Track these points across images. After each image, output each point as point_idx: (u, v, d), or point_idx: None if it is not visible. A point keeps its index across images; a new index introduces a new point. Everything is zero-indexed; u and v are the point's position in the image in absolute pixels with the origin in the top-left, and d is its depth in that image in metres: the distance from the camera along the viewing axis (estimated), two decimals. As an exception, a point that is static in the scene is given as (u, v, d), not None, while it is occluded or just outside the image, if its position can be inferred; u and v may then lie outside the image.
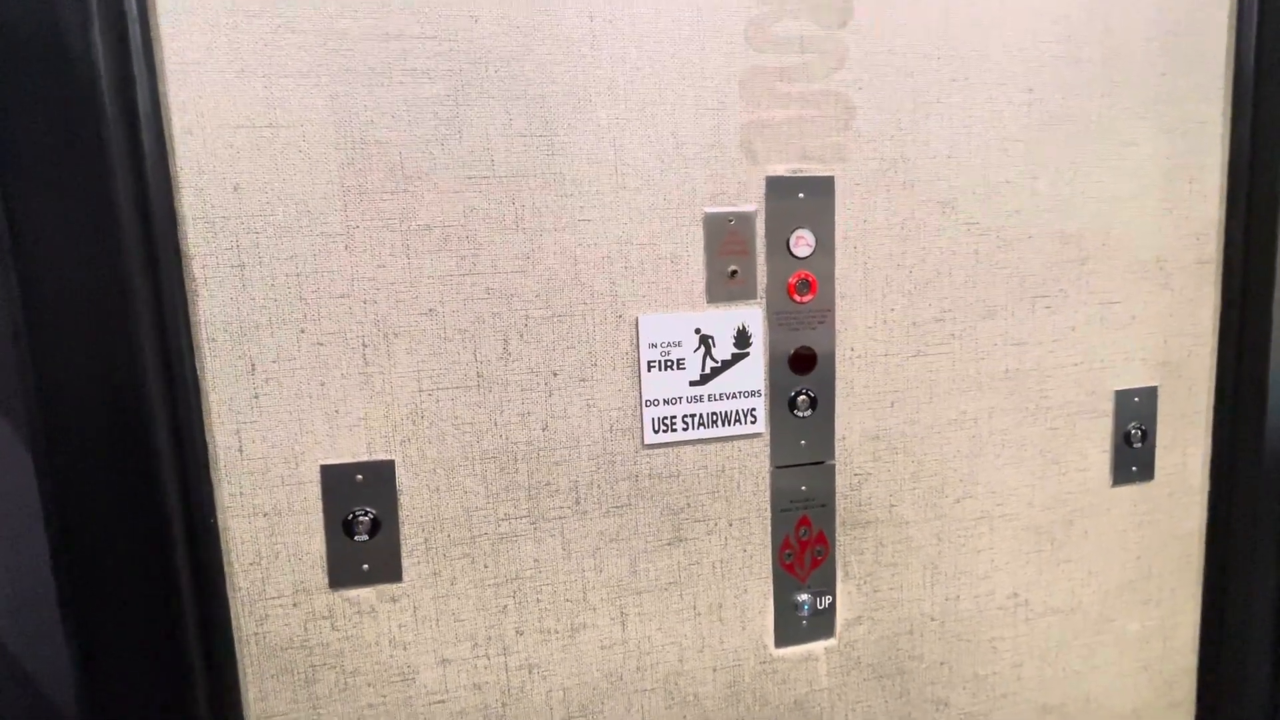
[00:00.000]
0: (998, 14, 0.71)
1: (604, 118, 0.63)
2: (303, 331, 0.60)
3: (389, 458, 0.63)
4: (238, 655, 0.62)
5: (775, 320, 0.69)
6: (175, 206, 0.56)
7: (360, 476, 0.62)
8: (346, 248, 0.60)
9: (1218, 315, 0.83)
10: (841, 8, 0.67)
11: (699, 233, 0.66)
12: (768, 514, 0.72)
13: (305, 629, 0.63)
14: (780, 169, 0.68)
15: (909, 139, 0.70)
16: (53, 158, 0.54)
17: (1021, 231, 0.75)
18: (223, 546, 0.60)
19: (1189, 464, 0.84)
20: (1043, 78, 0.73)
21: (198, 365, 0.58)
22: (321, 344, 0.60)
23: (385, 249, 0.61)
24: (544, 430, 0.65)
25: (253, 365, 0.59)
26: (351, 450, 0.62)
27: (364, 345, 0.61)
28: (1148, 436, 0.82)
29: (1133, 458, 0.82)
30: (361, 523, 0.62)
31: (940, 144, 0.71)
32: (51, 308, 0.55)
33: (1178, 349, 0.82)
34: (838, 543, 0.74)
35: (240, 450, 0.60)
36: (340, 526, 0.62)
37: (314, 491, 0.61)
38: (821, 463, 0.72)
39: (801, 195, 0.68)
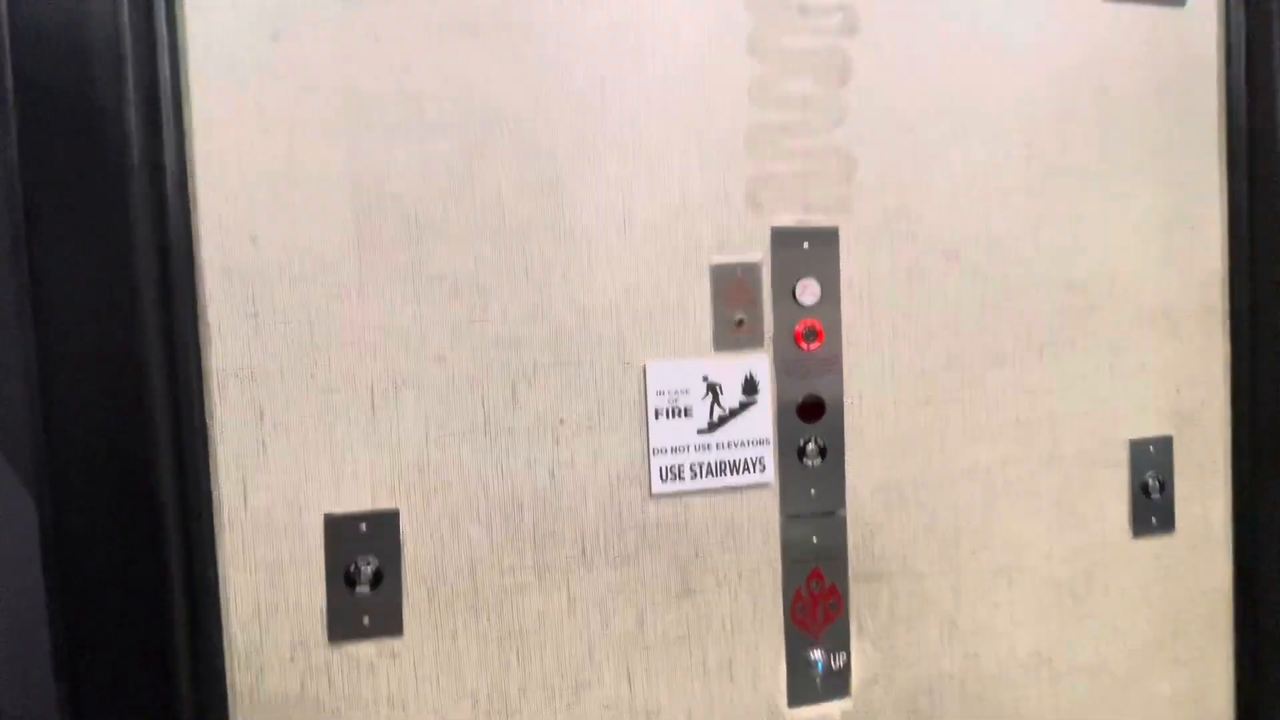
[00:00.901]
0: (994, 72, 0.74)
1: (613, 171, 0.65)
2: (313, 378, 0.60)
3: (394, 507, 0.62)
4: (231, 712, 0.59)
5: (783, 368, 0.69)
6: (194, 257, 0.58)
7: (364, 526, 0.61)
8: (359, 296, 0.61)
9: (1228, 365, 0.82)
10: (841, 67, 0.70)
11: (706, 282, 0.67)
12: (778, 566, 0.70)
13: (302, 685, 0.61)
14: (785, 220, 0.69)
15: (911, 191, 0.72)
16: (78, 208, 0.56)
17: (1026, 280, 0.75)
18: (222, 599, 0.59)
19: (1210, 516, 0.82)
20: (1040, 133, 0.75)
21: (207, 413, 0.59)
22: (331, 391, 0.61)
23: (397, 298, 0.62)
24: (551, 479, 0.65)
25: (261, 413, 0.59)
26: (356, 499, 0.61)
27: (373, 393, 0.61)
28: (1166, 487, 0.80)
29: (1152, 509, 0.80)
30: (363, 573, 0.61)
31: (942, 196, 0.73)
32: (65, 351, 0.56)
33: (1191, 398, 0.81)
34: (851, 596, 0.72)
35: (244, 500, 0.59)
36: (342, 578, 0.61)
37: (316, 542, 0.61)
38: (832, 513, 0.71)
39: (806, 245, 0.69)
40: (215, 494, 0.59)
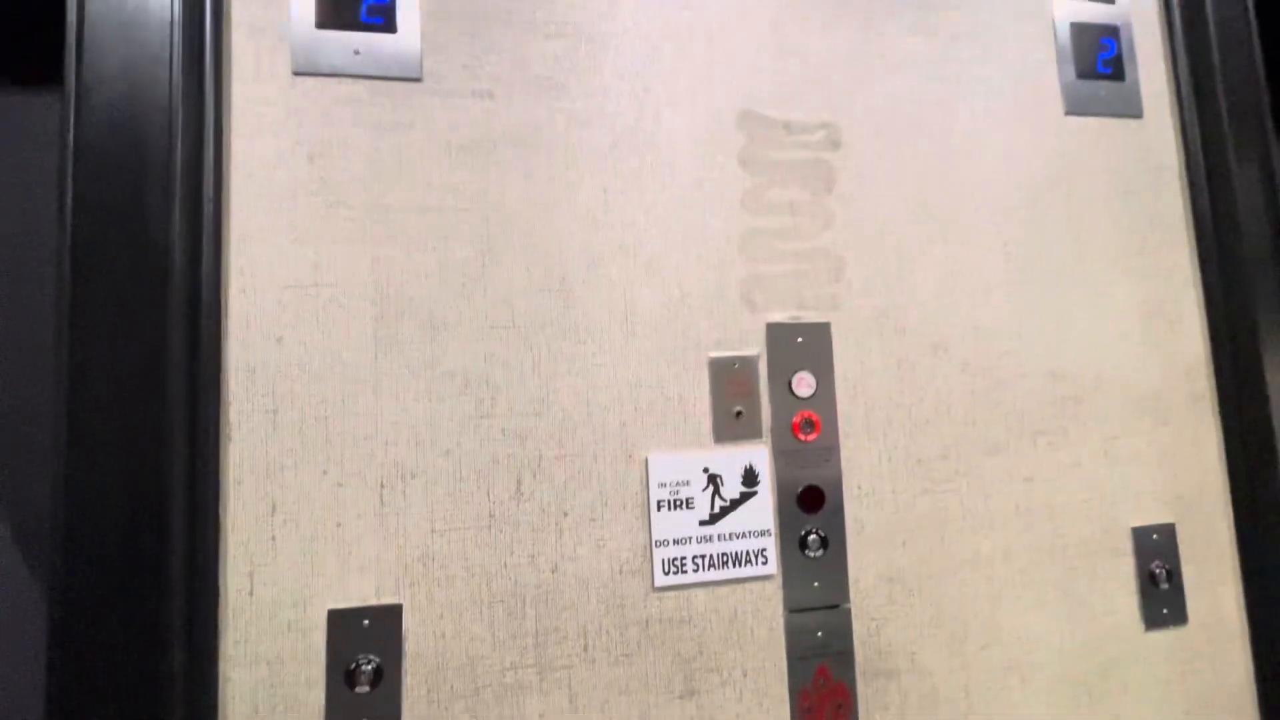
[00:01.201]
0: (968, 180, 0.80)
1: (615, 273, 0.70)
2: (325, 473, 0.62)
3: (397, 601, 0.62)
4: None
5: (782, 459, 0.71)
6: (221, 357, 0.61)
7: (366, 621, 0.61)
8: (374, 392, 0.64)
9: (1222, 451, 0.83)
10: (826, 178, 0.76)
11: (705, 376, 0.70)
12: (783, 663, 0.69)
13: (294, 795, 0.59)
14: (779, 316, 0.73)
15: (897, 289, 0.76)
16: (120, 311, 0.60)
17: (1014, 371, 0.78)
18: (220, 698, 0.58)
19: (1222, 606, 0.81)
20: (1015, 234, 0.80)
21: (221, 507, 0.60)
22: (341, 485, 0.62)
23: (409, 393, 0.65)
24: (553, 572, 0.65)
25: (274, 506, 0.61)
26: (360, 594, 0.62)
27: (382, 486, 0.63)
28: (1173, 576, 0.79)
29: (1161, 600, 0.79)
30: (364, 672, 0.60)
31: (927, 293, 0.77)
32: (93, 442, 0.58)
33: (1188, 484, 0.82)
34: (859, 695, 0.70)
35: (250, 594, 0.60)
36: (342, 677, 0.60)
37: (319, 638, 0.61)
38: (837, 606, 0.70)
39: (800, 340, 0.73)
40: (223, 589, 0.59)
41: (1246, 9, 0.90)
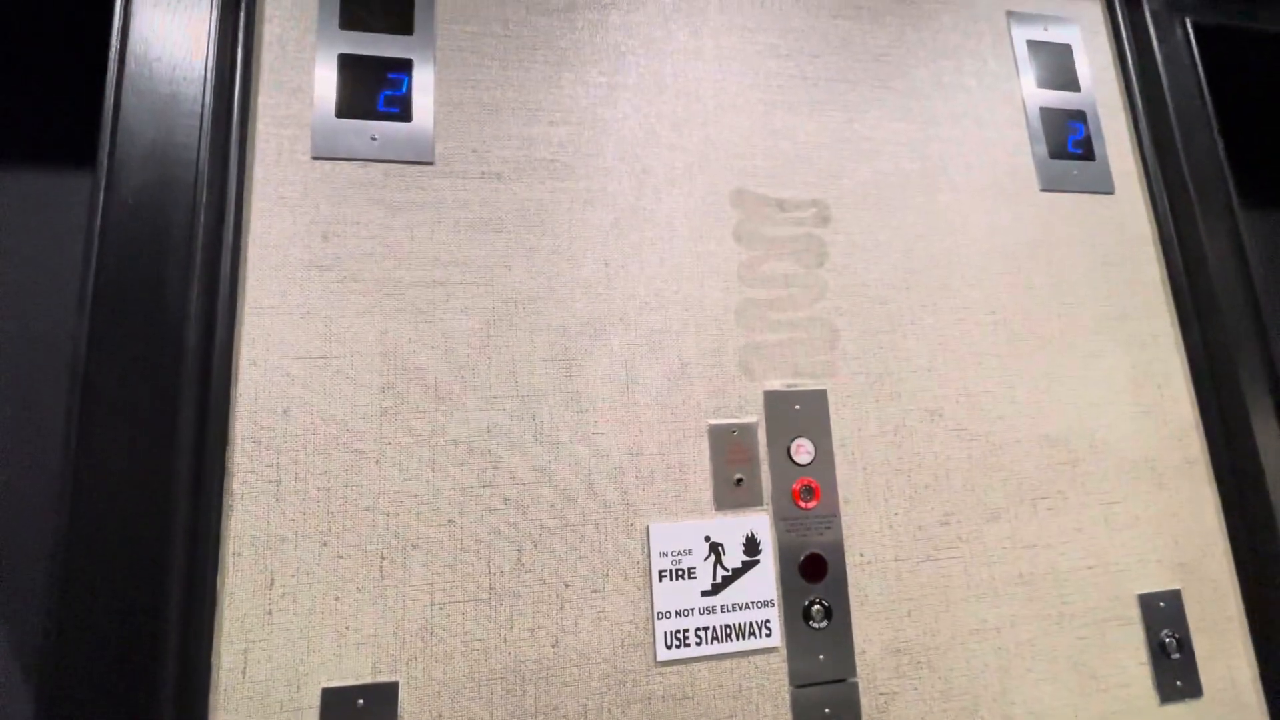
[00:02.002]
0: (953, 251, 0.83)
1: (616, 344, 0.72)
2: (325, 544, 0.62)
3: (393, 679, 0.61)
4: None
5: (783, 526, 0.71)
6: (229, 429, 0.62)
7: (361, 701, 0.60)
8: (377, 463, 0.64)
9: (1221, 515, 0.84)
10: (818, 252, 0.79)
11: (705, 443, 0.71)
12: (791, 742, 0.67)
13: None
14: (776, 384, 0.75)
15: (890, 356, 0.78)
16: (132, 383, 0.61)
17: (1009, 436, 0.79)
18: (206, 787, 0.56)
19: (1237, 678, 0.79)
20: (1002, 302, 0.83)
21: (219, 580, 0.60)
22: (341, 557, 0.62)
23: (412, 463, 0.65)
24: (554, 647, 0.64)
25: (272, 579, 0.61)
26: (356, 671, 0.60)
27: (382, 558, 0.63)
28: (1184, 646, 0.78)
29: (1174, 670, 0.77)
30: (357, 757, 0.58)
31: (920, 359, 0.79)
32: (96, 513, 0.58)
33: (1190, 549, 0.82)
34: (870, 777, 0.68)
35: (244, 672, 0.58)
36: (334, 762, 0.58)
37: (312, 719, 0.59)
38: (843, 680, 0.69)
39: (798, 407, 0.74)
40: (215, 667, 0.58)
41: (1202, 90, 0.96)
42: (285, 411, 0.64)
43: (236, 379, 0.64)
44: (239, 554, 0.60)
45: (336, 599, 0.61)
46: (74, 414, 0.59)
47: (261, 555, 0.61)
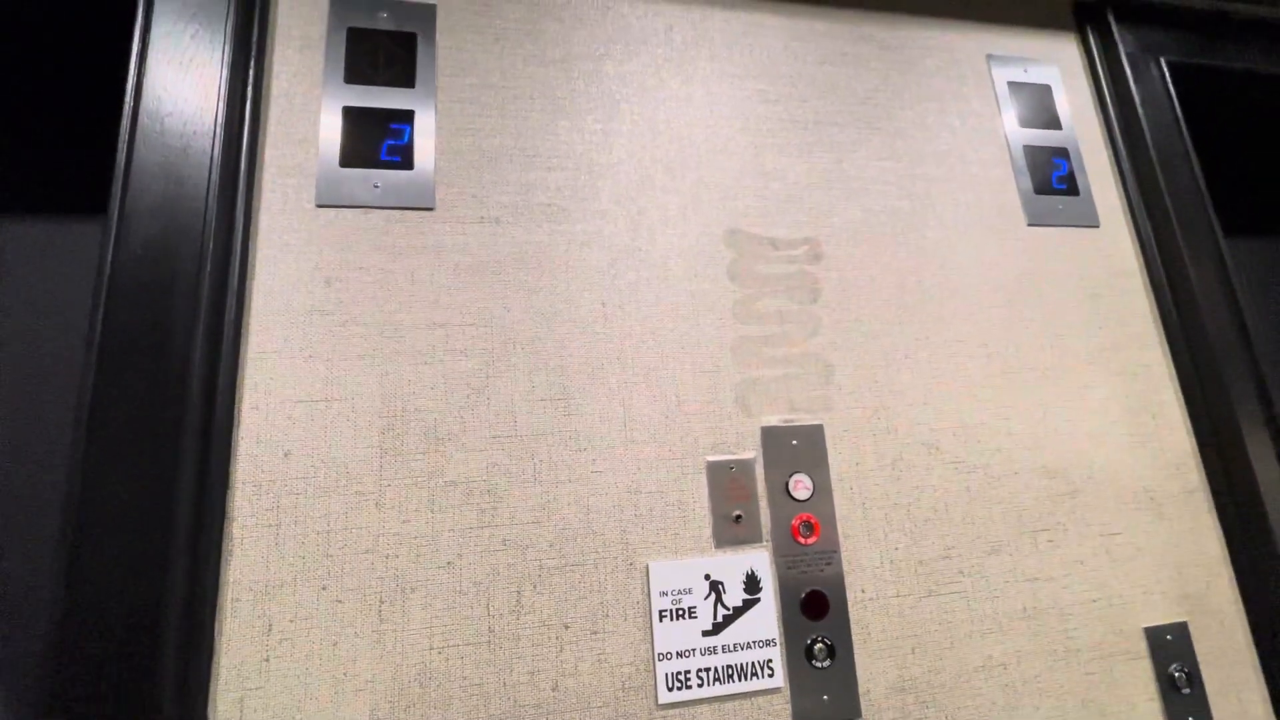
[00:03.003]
0: (944, 286, 0.85)
1: (614, 382, 0.73)
2: (324, 589, 0.62)
3: (391, 727, 0.60)
4: None
5: (783, 563, 0.71)
6: (230, 473, 0.63)
7: (359, 750, 0.59)
8: (377, 505, 0.65)
9: (1224, 544, 0.83)
10: (811, 288, 0.81)
11: (703, 480, 0.72)
12: (797, 788, 0.65)
13: None
14: (773, 420, 0.75)
15: (886, 390, 0.79)
16: (136, 428, 0.62)
17: (1006, 468, 0.79)
18: (198, 844, 0.55)
19: (1250, 711, 0.78)
20: (994, 335, 0.84)
21: (216, 628, 0.59)
22: (340, 601, 0.62)
23: (412, 505, 0.65)
24: (554, 690, 0.63)
25: (270, 625, 0.60)
26: (353, 718, 0.60)
27: (381, 601, 0.63)
28: (1194, 680, 0.77)
29: (1185, 706, 0.76)
30: (353, 809, 0.57)
31: (915, 393, 0.80)
32: (94, 561, 0.58)
33: (1195, 580, 0.81)
34: (879, 823, 0.66)
35: (240, 722, 0.58)
36: (330, 815, 0.57)
37: (308, 770, 0.58)
38: (848, 721, 0.68)
39: (795, 442, 0.75)
40: (211, 714, 0.57)
41: (1179, 125, 0.99)
42: (286, 454, 0.64)
43: (239, 422, 0.64)
44: (238, 599, 0.60)
45: (334, 644, 0.61)
46: (78, 458, 0.60)
47: (260, 600, 0.61)
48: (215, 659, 0.59)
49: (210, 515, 0.61)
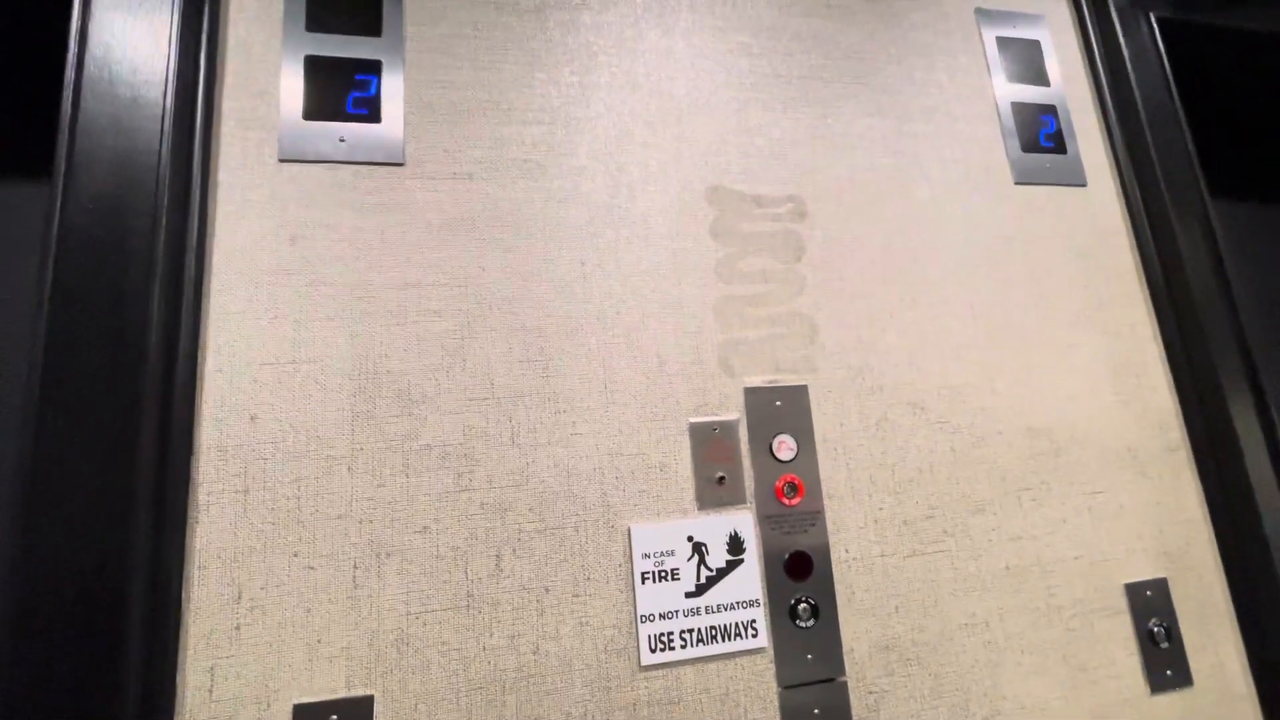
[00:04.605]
0: (930, 245, 0.83)
1: (594, 343, 0.71)
2: (296, 555, 0.60)
3: (368, 693, 0.59)
4: None
5: (767, 524, 0.70)
6: (194, 438, 0.60)
7: (335, 716, 0.57)
8: (349, 469, 0.63)
9: (1204, 502, 0.84)
10: (795, 246, 0.79)
11: (685, 441, 0.70)
12: (780, 745, 0.65)
13: None
14: (757, 380, 0.74)
15: (870, 350, 0.78)
16: (91, 392, 0.59)
17: (990, 428, 0.79)
18: (170, 813, 0.54)
19: (1226, 665, 0.79)
20: (980, 296, 0.83)
21: (183, 596, 0.57)
22: (313, 567, 0.60)
23: (386, 469, 0.63)
24: (535, 654, 0.62)
25: (240, 593, 0.58)
26: (329, 685, 0.58)
27: (355, 567, 0.61)
28: (1173, 635, 0.77)
29: (1163, 660, 0.77)
30: (330, 775, 0.56)
31: (900, 354, 0.78)
32: (52, 526, 0.56)
33: (1175, 538, 0.82)
34: (863, 779, 0.66)
35: (210, 691, 0.56)
36: (306, 781, 0.56)
37: (282, 738, 0.56)
38: (832, 680, 0.67)
39: (779, 403, 0.73)
40: (180, 687, 0.56)
41: (1169, 83, 0.98)
42: (253, 419, 0.62)
43: (201, 386, 0.62)
44: (205, 567, 0.58)
45: (308, 611, 0.59)
46: (29, 425, 0.57)
47: (228, 568, 0.59)
48: (183, 628, 0.57)
49: (173, 482, 0.58)
